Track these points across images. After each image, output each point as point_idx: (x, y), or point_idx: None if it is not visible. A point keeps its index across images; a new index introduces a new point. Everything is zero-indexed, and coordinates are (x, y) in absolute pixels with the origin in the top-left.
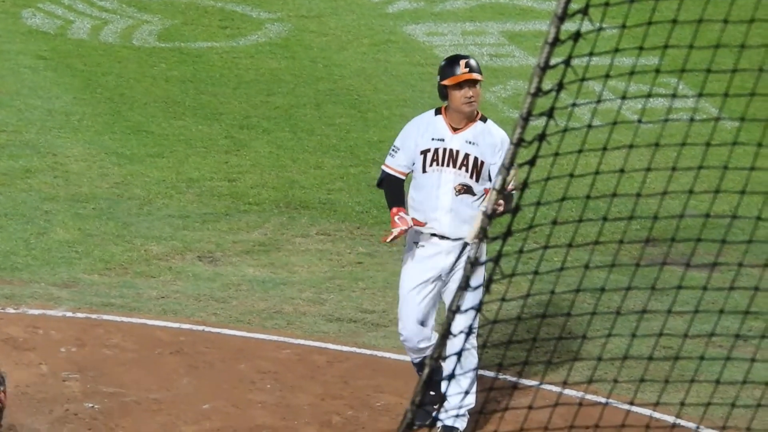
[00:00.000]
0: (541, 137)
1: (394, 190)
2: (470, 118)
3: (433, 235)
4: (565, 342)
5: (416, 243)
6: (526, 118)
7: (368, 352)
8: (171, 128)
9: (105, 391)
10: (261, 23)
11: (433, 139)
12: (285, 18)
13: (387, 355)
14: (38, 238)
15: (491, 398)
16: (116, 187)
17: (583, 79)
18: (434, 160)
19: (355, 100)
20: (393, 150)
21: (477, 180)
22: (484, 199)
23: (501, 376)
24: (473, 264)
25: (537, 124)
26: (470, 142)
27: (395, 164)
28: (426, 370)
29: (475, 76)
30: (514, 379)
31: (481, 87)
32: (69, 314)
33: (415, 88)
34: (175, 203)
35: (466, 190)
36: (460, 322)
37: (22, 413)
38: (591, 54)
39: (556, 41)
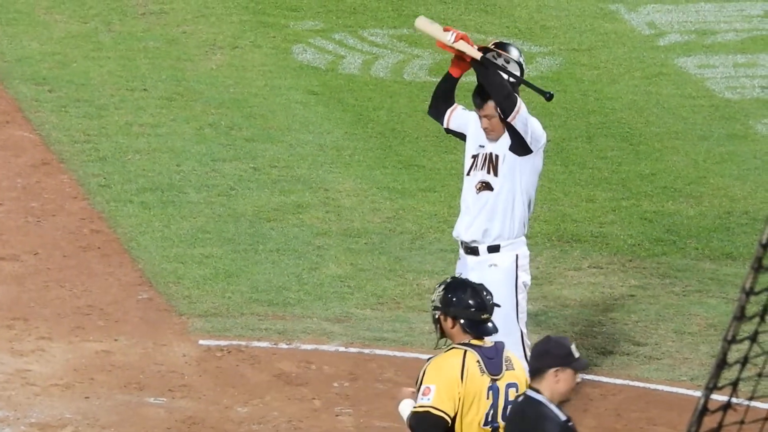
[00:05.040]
0: None
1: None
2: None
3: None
4: None
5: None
6: None
7: (641, 384)
8: (442, 162)
9: (378, 426)
10: (532, 57)
11: (480, 146)
12: (556, 51)
13: (660, 387)
14: (310, 273)
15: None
16: (388, 222)
17: None
18: (473, 165)
19: (626, 133)
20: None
21: (496, 174)
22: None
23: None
24: (748, 294)
25: None
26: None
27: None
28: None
29: (484, 110)
30: None
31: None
32: (341, 349)
33: (687, 121)
34: (446, 237)
35: (485, 186)
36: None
37: None
38: None
39: None
